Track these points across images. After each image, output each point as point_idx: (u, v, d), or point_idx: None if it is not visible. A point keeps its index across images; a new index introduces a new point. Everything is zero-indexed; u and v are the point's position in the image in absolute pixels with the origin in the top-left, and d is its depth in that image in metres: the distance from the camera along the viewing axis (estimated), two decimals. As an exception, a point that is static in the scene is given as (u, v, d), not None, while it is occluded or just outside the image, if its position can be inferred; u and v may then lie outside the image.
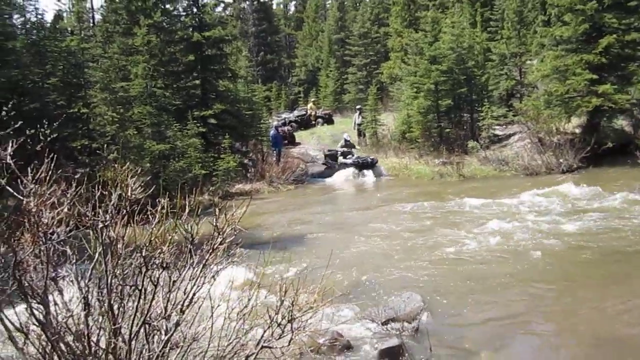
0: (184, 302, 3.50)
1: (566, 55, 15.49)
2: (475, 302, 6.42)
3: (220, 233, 3.34)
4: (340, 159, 18.90)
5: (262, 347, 3.43)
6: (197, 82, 17.92)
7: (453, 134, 18.53)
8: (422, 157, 17.97)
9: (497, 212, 10.77)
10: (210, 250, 3.39)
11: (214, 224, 3.40)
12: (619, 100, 14.62)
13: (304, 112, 29.04)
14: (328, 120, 28.52)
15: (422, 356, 5.06)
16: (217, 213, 3.59)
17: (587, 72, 14.88)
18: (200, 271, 3.43)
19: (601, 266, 7.45)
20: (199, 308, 3.78)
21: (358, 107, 23.42)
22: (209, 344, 3.49)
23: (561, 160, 15.04)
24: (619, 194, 11.01)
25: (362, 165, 18.06)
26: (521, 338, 5.59)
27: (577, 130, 16.42)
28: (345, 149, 19.18)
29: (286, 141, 22.56)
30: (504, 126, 19.12)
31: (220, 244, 3.38)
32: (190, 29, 17.88)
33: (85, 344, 3.34)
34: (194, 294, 3.60)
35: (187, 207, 3.68)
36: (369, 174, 17.79)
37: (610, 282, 6.93)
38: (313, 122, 28.40)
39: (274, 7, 44.76)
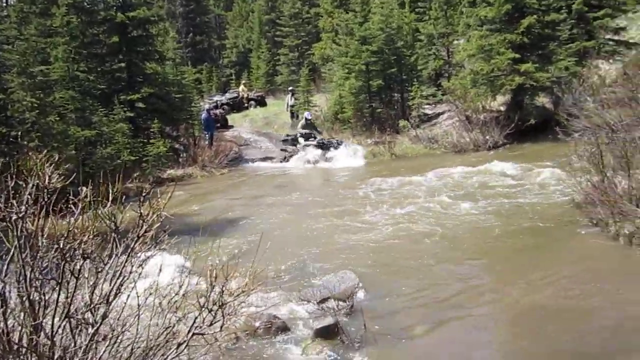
0: (109, 293, 3.39)
1: (490, 35, 15.94)
2: (405, 280, 6.55)
3: (145, 221, 3.24)
4: (302, 142, 16.97)
5: (194, 334, 3.37)
6: (123, 64, 17.26)
7: (384, 114, 18.78)
8: (355, 137, 18.14)
9: (424, 190, 11.03)
10: (135, 239, 3.28)
11: (139, 211, 3.30)
12: (540, 79, 15.22)
13: (236, 95, 28.64)
14: (260, 102, 28.26)
15: (357, 333, 5.15)
16: (141, 200, 3.49)
17: (510, 51, 15.40)
18: (126, 260, 3.33)
19: (519, 240, 7.71)
20: (128, 298, 3.69)
21: (290, 88, 23.31)
22: (136, 334, 3.39)
23: (487, 137, 15.57)
24: (538, 169, 11.53)
25: (325, 147, 16.41)
26: (452, 312, 5.76)
27: (502, 108, 17.01)
28: (306, 131, 17.18)
29: (218, 124, 22.20)
30: (433, 105, 19.55)
31: (146, 231, 3.28)
32: (114, 9, 17.14)
33: (5, 342, 3.19)
34: (121, 284, 3.50)
35: (110, 194, 3.55)
36: (334, 156, 16.13)
37: (527, 255, 7.20)
38: (245, 105, 28.06)
39: (202, -14, 43.63)
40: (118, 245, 3.49)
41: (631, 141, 9.31)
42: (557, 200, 9.17)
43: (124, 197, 3.98)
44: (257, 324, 5.38)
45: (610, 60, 18.45)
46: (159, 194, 3.80)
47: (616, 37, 18.82)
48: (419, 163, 14.69)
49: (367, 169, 14.80)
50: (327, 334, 5.12)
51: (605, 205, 7.44)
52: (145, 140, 15.83)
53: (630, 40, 18.80)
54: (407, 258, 7.34)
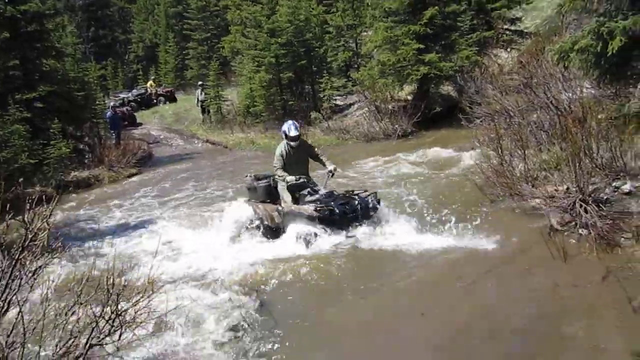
0: (-5, 309, 3.16)
1: (395, 27, 16.31)
2: (312, 269, 6.49)
3: (29, 230, 3.03)
4: (286, 201, 7.75)
5: (91, 345, 3.21)
6: (17, 62, 16.16)
7: (296, 106, 18.84)
8: (267, 131, 18.07)
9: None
10: (20, 249, 3.07)
11: (22, 220, 3.09)
12: (443, 68, 15.76)
13: (144, 91, 27.79)
14: (170, 98, 27.57)
15: (266, 328, 5.12)
16: (27, 208, 3.27)
17: (414, 42, 15.82)
18: (11, 273, 3.10)
19: (428, 225, 7.88)
20: (20, 312, 3.46)
21: (200, 83, 22.85)
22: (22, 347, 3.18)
23: (396, 126, 15.96)
24: (444, 154, 12.01)
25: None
26: (362, 299, 5.83)
27: (409, 97, 17.48)
28: (297, 177, 7.68)
29: (126, 122, 21.45)
30: (344, 96, 19.82)
31: (32, 241, 3.08)
32: (2, 3, 15.97)
33: None
34: (8, 301, 3.27)
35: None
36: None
37: (437, 241, 7.22)
38: (154, 101, 27.29)
39: (103, -22, 41.70)
40: (3, 258, 3.27)
41: (527, 125, 9.88)
42: (461, 183, 9.52)
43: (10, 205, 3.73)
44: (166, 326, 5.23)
45: (508, 49, 19.42)
46: (55, 199, 3.58)
47: (513, 27, 19.84)
48: (332, 153, 14.84)
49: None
50: (236, 328, 5.07)
51: (504, 187, 7.82)
52: (45, 142, 14.95)
53: (525, 30, 19.87)
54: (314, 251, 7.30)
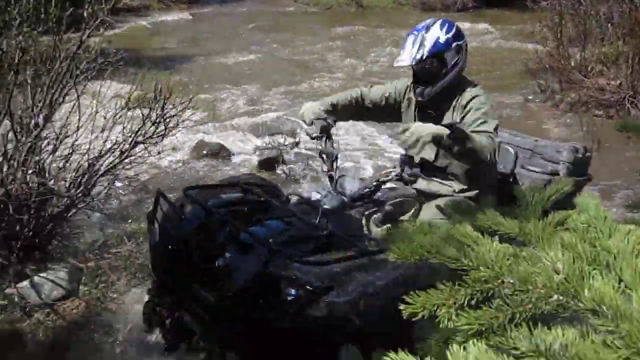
0: (52, 98, 3.38)
1: None
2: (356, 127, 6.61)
3: (88, 27, 3.17)
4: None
5: (136, 142, 3.48)
6: None
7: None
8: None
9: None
10: (79, 44, 3.24)
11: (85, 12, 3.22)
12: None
13: None
14: None
15: (299, 166, 5.39)
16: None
17: None
18: (69, 65, 3.28)
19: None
20: (73, 107, 3.71)
21: None
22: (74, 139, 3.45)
23: (458, -2, 15.20)
24: (502, 33, 11.56)
25: None
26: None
27: (477, -32, 16.40)
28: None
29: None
30: (409, -43, 18.65)
31: (89, 36, 3.24)
32: None
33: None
34: (64, 92, 3.49)
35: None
36: None
37: None
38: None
39: None
40: (60, 53, 3.43)
41: (594, 15, 9.34)
42: (513, 64, 9.30)
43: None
44: (204, 151, 5.57)
45: None
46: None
47: None
48: (386, 16, 14.46)
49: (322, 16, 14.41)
50: (270, 163, 5.35)
51: (555, 73, 7.64)
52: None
53: None
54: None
